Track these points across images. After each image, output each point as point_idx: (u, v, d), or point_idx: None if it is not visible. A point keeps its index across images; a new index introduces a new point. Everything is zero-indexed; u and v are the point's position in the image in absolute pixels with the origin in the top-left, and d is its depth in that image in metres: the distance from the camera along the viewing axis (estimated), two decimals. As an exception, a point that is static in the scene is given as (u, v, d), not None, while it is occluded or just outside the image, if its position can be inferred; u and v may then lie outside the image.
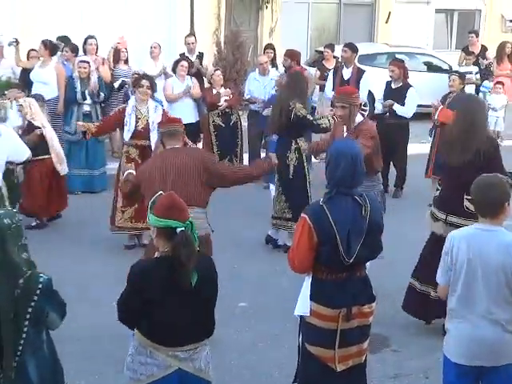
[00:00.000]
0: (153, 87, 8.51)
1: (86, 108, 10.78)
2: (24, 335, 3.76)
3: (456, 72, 11.15)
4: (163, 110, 8.66)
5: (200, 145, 11.54)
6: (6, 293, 3.69)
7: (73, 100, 10.79)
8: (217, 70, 11.75)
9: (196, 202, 5.82)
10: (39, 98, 10.07)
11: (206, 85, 12.26)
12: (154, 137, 8.14)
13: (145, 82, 8.33)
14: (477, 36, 16.41)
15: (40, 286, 3.77)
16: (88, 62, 10.94)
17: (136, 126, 8.20)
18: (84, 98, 10.74)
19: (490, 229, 4.23)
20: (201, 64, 12.83)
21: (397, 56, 13.10)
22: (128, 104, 8.41)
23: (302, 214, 4.36)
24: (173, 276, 3.82)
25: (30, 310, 3.74)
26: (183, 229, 3.85)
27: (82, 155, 10.66)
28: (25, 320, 3.74)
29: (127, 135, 8.22)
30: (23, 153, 6.65)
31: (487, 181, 4.32)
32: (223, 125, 11.14)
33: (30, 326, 3.77)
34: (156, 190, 5.55)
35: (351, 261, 4.30)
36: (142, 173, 6.14)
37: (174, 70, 11.62)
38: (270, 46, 12.93)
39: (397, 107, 10.43)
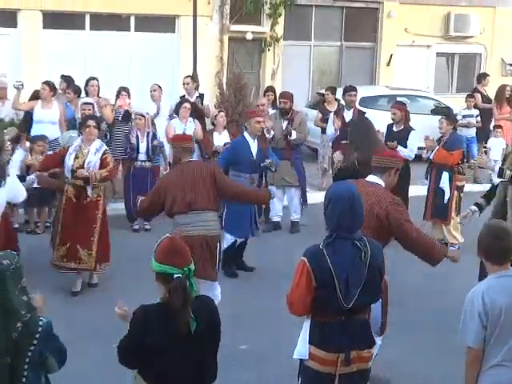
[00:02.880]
0: (99, 127, 8.56)
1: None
2: (24, 379, 3.73)
3: (445, 115, 11.11)
4: (105, 151, 8.31)
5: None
6: (2, 336, 3.66)
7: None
8: (220, 111, 11.82)
9: (211, 206, 7.20)
10: (43, 139, 10.19)
11: (209, 126, 12.32)
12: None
13: (91, 123, 8.21)
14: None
15: (40, 329, 3.76)
16: (92, 104, 10.99)
17: (72, 166, 8.10)
18: None
19: (507, 273, 4.24)
20: (201, 104, 12.90)
21: (398, 99, 13.17)
22: (72, 144, 8.38)
23: (302, 257, 4.35)
24: (170, 322, 3.80)
25: (29, 353, 3.72)
26: (180, 275, 3.83)
27: None
28: (24, 364, 3.72)
29: (68, 174, 8.17)
30: (22, 194, 6.71)
31: (497, 228, 4.31)
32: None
33: (30, 370, 3.74)
34: (177, 198, 7.06)
35: (350, 306, 4.27)
36: (161, 185, 7.37)
37: (176, 112, 11.69)
38: (270, 89, 13.06)
39: (401, 149, 10.46)
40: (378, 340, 5.83)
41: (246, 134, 9.04)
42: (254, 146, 8.93)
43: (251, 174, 8.92)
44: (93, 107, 10.93)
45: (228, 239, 8.85)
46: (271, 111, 11.80)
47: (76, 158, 8.11)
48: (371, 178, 5.92)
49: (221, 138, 11.26)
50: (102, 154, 8.20)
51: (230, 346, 6.47)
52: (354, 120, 8.74)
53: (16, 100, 11.83)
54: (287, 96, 11.25)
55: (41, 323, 3.77)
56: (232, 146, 8.93)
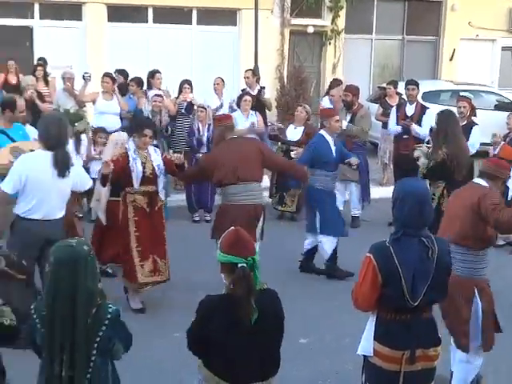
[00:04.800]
0: (156, 136, 8.19)
1: (154, 141, 10.86)
2: (92, 364, 3.80)
3: (513, 110, 10.96)
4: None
5: (265, 177, 11.61)
6: (82, 321, 3.74)
7: None
8: (299, 105, 11.62)
9: (256, 177, 7.80)
10: (104, 131, 10.36)
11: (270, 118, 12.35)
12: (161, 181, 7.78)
13: (148, 132, 7.52)
14: None
15: (109, 316, 3.82)
16: (161, 96, 11.10)
17: (144, 172, 7.45)
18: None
19: None
20: (263, 98, 12.93)
21: (461, 94, 12.98)
22: (128, 148, 7.52)
23: (368, 253, 4.34)
24: (234, 312, 3.84)
25: (98, 339, 3.79)
26: (244, 265, 3.87)
27: None
28: (93, 349, 3.79)
29: (136, 181, 7.43)
30: (87, 182, 6.80)
31: None
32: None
33: (98, 355, 3.81)
34: (226, 171, 7.55)
35: (416, 303, 4.25)
36: (212, 158, 7.93)
37: (238, 105, 11.75)
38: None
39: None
40: (477, 358, 5.73)
41: (324, 133, 8.83)
42: (332, 144, 8.79)
43: (333, 172, 8.82)
44: (162, 99, 11.02)
45: (332, 242, 8.70)
46: None
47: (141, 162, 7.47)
48: (479, 180, 5.86)
49: (296, 132, 11.10)
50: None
51: (290, 340, 6.49)
52: (440, 114, 8.51)
53: (82, 92, 12.03)
54: (350, 89, 11.20)
55: (110, 310, 3.84)
56: (314, 146, 8.71)
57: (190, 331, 4.06)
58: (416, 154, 8.79)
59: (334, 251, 8.72)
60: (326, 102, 12.67)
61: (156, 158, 7.57)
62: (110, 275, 8.22)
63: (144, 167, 7.40)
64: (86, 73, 12.15)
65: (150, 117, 10.76)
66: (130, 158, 7.38)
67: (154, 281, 7.54)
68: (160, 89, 12.23)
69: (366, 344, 4.42)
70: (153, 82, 12.22)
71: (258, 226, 7.86)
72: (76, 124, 10.40)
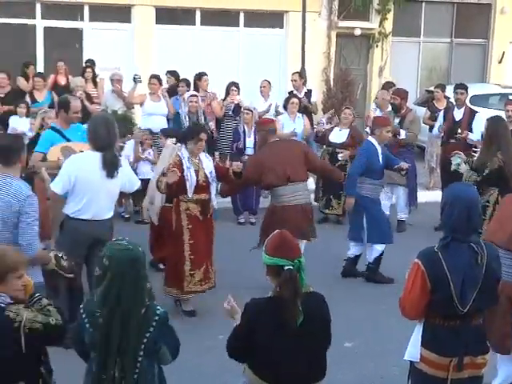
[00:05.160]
0: (208, 140, 8.14)
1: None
2: (138, 365, 3.82)
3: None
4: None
5: (310, 180, 11.60)
6: (134, 321, 3.78)
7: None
8: (347, 108, 11.50)
9: (301, 177, 8.04)
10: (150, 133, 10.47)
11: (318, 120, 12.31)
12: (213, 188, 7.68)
13: (203, 136, 7.45)
14: None
15: (156, 317, 3.85)
16: (196, 96, 11.11)
17: (198, 180, 7.36)
18: None
19: None
20: (309, 101, 12.91)
21: (510, 97, 12.78)
22: (182, 156, 7.39)
23: (416, 259, 4.30)
24: (281, 315, 3.84)
25: (145, 340, 3.81)
26: (290, 267, 3.87)
27: None
28: (140, 350, 3.81)
29: (190, 190, 7.33)
30: (136, 183, 6.85)
31: None
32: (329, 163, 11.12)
33: (145, 357, 3.84)
34: (275, 174, 7.79)
35: (465, 310, 4.20)
36: (258, 163, 8.08)
37: (285, 108, 11.75)
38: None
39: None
40: None
41: (373, 141, 8.68)
42: (380, 152, 8.67)
43: (380, 180, 8.73)
44: (198, 99, 11.04)
45: (377, 250, 8.64)
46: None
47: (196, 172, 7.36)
48: None
49: (341, 135, 11.03)
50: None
51: (335, 343, 6.46)
52: (490, 120, 8.36)
53: (132, 93, 12.15)
54: (399, 92, 11.13)
55: (158, 312, 3.86)
56: (366, 155, 8.58)
57: (234, 334, 4.06)
58: (454, 161, 8.76)
59: (380, 256, 8.67)
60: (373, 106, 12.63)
61: (208, 164, 7.50)
62: (162, 270, 8.30)
63: (197, 175, 7.32)
64: (136, 75, 12.27)
65: (187, 118, 10.81)
66: (184, 167, 7.28)
67: (202, 290, 7.49)
68: (207, 91, 12.30)
69: (413, 349, 4.38)
70: (200, 84, 12.30)
71: (309, 223, 8.12)
72: (132, 135, 10.57)
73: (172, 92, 12.14)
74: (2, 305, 3.86)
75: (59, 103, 7.85)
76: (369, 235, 8.53)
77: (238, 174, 7.72)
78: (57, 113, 7.87)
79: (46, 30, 16.25)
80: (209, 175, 7.42)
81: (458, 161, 8.65)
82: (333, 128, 11.17)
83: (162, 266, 8.49)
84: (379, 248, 8.63)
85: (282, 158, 7.93)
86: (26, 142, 8.06)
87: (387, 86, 13.05)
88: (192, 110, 10.91)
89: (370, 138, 8.82)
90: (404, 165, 8.83)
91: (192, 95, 11.18)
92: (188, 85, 12.25)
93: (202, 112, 11.15)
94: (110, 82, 12.58)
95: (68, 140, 7.33)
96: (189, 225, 7.34)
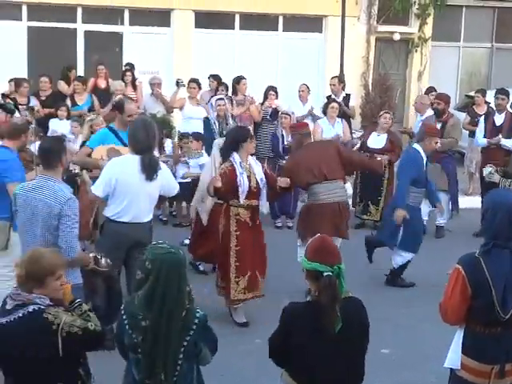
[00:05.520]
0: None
1: None
2: (178, 368, 3.83)
3: None
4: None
5: (348, 185, 11.57)
6: (176, 324, 3.80)
7: (211, 139, 10.76)
8: (386, 112, 11.35)
9: (337, 176, 8.02)
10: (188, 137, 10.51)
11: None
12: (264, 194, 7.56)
13: (253, 139, 7.50)
14: None
15: (196, 320, 3.86)
16: (223, 100, 11.14)
17: (250, 186, 7.29)
18: (221, 137, 10.81)
19: None
20: (347, 106, 12.87)
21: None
22: (234, 161, 7.29)
23: (456, 265, 4.26)
24: (318, 320, 3.82)
25: (185, 343, 3.82)
26: (330, 273, 3.85)
27: None
28: (180, 353, 3.82)
29: (242, 196, 7.27)
30: (175, 187, 6.88)
31: None
32: (369, 169, 11.08)
33: (184, 359, 3.85)
34: (311, 171, 7.78)
35: (507, 317, 4.15)
36: (295, 163, 8.07)
37: (324, 112, 11.72)
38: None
39: None
40: None
41: (419, 149, 8.51)
42: (425, 161, 8.53)
43: (423, 188, 8.63)
44: (225, 103, 11.05)
45: (404, 256, 8.60)
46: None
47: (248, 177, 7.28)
48: None
49: (379, 140, 10.94)
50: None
51: (372, 350, 6.42)
52: None
53: (174, 97, 12.21)
54: (442, 97, 11.03)
55: (198, 315, 3.88)
56: (413, 165, 8.42)
57: (272, 338, 4.07)
58: (486, 171, 8.66)
59: (406, 264, 8.64)
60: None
61: (258, 170, 7.43)
62: (202, 272, 8.39)
63: (249, 181, 7.26)
64: (179, 79, 12.35)
65: (216, 123, 10.80)
66: (237, 172, 7.21)
67: (247, 298, 7.39)
68: (245, 95, 12.33)
69: (454, 357, 4.34)
70: (238, 88, 12.33)
71: (346, 221, 8.18)
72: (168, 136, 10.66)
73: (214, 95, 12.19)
74: (42, 307, 3.88)
75: (115, 104, 7.97)
76: (402, 242, 8.46)
77: (285, 189, 7.77)
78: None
79: (87, 33, 16.43)
80: (259, 181, 7.35)
81: (489, 170, 8.60)
82: (370, 133, 11.10)
83: (201, 268, 8.53)
84: (408, 255, 8.58)
85: (318, 157, 8.02)
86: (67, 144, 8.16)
87: (428, 90, 12.98)
88: (220, 113, 10.85)
89: (416, 146, 8.61)
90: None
91: (219, 99, 11.06)
92: (227, 88, 12.28)
93: (230, 115, 11.13)
94: (150, 86, 12.68)
95: (123, 142, 7.33)
96: (237, 231, 7.28)
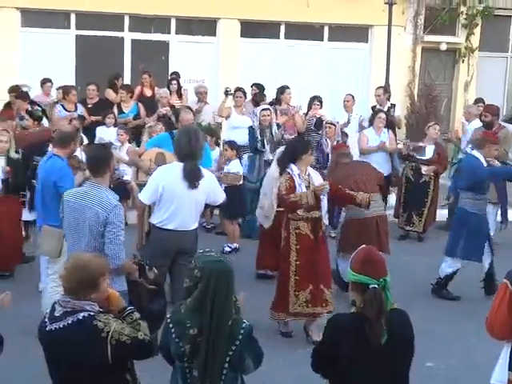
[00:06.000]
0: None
1: (269, 156, 10.77)
2: (223, 377, 3.85)
3: None
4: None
5: (392, 196, 11.50)
6: (223, 334, 3.82)
7: (254, 148, 10.91)
8: (436, 124, 11.34)
9: (376, 190, 8.16)
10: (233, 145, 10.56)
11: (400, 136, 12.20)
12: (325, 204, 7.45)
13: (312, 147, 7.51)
14: None
15: (242, 331, 3.87)
16: (269, 110, 11.13)
17: None
18: (263, 146, 10.84)
19: None
20: (393, 116, 12.78)
21: None
22: (292, 173, 7.15)
23: (504, 279, 4.20)
24: (363, 332, 3.80)
25: (230, 353, 3.84)
26: (375, 286, 3.82)
27: None
28: (225, 363, 3.84)
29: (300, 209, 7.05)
30: (221, 196, 6.90)
31: None
32: (413, 179, 11.00)
33: (229, 369, 3.86)
34: (349, 185, 7.73)
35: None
36: (338, 177, 8.10)
37: (371, 122, 11.66)
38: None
39: None
40: None
41: (479, 156, 8.40)
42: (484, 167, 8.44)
43: (485, 195, 8.54)
44: (271, 113, 11.05)
45: (452, 266, 8.54)
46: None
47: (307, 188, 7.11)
48: None
49: (426, 151, 10.89)
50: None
51: (416, 363, 6.34)
52: None
53: (222, 106, 12.27)
54: (490, 109, 10.95)
55: (243, 325, 3.89)
56: (477, 168, 8.32)
57: (316, 349, 4.05)
58: None
59: (453, 274, 8.55)
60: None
61: (318, 179, 7.28)
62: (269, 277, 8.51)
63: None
64: (227, 88, 12.40)
65: (260, 132, 10.80)
66: (296, 184, 7.05)
67: (311, 312, 7.16)
68: (289, 104, 12.32)
69: (501, 373, 4.28)
70: (282, 98, 12.33)
71: (387, 236, 8.23)
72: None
73: (256, 105, 12.21)
74: (92, 313, 3.88)
75: (175, 112, 8.08)
76: (464, 251, 8.35)
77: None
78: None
79: (134, 42, 16.59)
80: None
81: None
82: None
83: (269, 272, 8.64)
84: (456, 265, 8.49)
85: (355, 173, 8.20)
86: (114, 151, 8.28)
87: (476, 102, 12.89)
88: (264, 123, 10.85)
89: (475, 153, 8.51)
90: None
91: (264, 109, 11.05)
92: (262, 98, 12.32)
93: (275, 125, 11.12)
94: (195, 94, 12.75)
95: None
96: (297, 245, 7.09)
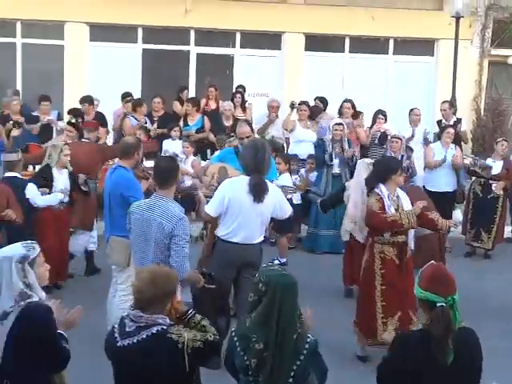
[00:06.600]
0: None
1: (336, 170, 10.83)
2: (287, 391, 3.85)
3: None
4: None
5: (457, 212, 11.32)
6: (288, 348, 3.81)
7: (322, 161, 10.88)
8: (504, 140, 11.18)
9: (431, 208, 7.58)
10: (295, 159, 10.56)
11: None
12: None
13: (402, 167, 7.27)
14: None
15: (307, 346, 3.86)
16: (342, 124, 11.11)
17: None
18: (331, 160, 10.80)
19: None
20: (459, 130, 12.59)
21: None
22: (382, 194, 6.87)
23: None
24: (430, 350, 3.75)
25: (295, 367, 3.83)
26: (443, 304, 3.77)
27: (329, 216, 10.34)
28: (289, 377, 3.83)
29: (387, 232, 6.80)
30: (287, 210, 6.87)
31: None
32: (481, 195, 10.83)
33: (294, 383, 3.84)
34: None
35: None
36: None
37: (439, 137, 11.51)
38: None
39: None
40: None
41: None
42: None
43: None
44: (343, 127, 11.02)
45: None
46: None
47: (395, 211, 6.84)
48: None
49: (495, 166, 10.78)
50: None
51: (482, 382, 6.24)
52: None
53: (287, 120, 12.32)
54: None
55: (308, 340, 3.88)
56: None
57: (382, 366, 4.01)
58: None
59: None
60: None
61: (407, 203, 7.00)
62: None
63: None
64: (293, 101, 12.46)
65: (331, 145, 10.75)
66: (386, 205, 6.80)
67: None
68: (353, 117, 12.27)
69: None
70: (343, 111, 12.29)
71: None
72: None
73: (311, 118, 12.23)
74: (164, 327, 3.89)
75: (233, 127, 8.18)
76: None
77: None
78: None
79: (199, 56, 16.76)
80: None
81: None
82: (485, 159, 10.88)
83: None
84: None
85: (420, 197, 7.81)
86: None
87: None
88: (336, 137, 10.83)
89: None
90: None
91: (337, 123, 11.05)
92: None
93: (346, 140, 11.08)
94: (267, 108, 12.82)
95: None
96: (382, 269, 6.81)
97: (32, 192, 8.37)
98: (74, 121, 10.84)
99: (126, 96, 13.43)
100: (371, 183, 7.02)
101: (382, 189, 6.85)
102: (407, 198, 7.06)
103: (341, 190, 8.99)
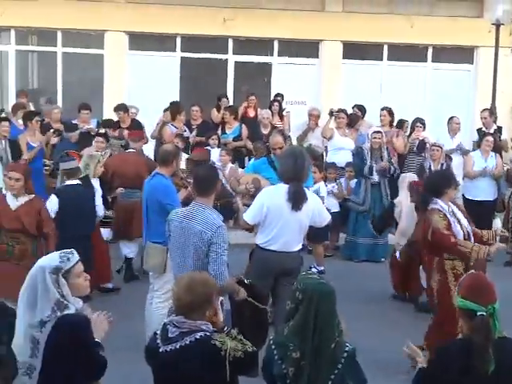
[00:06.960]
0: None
1: (375, 178, 10.82)
2: (324, 401, 3.83)
3: None
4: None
5: (497, 221, 11.20)
6: (325, 356, 3.81)
7: (360, 169, 10.89)
8: None
9: None
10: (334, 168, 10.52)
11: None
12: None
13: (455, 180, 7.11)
14: None
15: (345, 354, 3.85)
16: (381, 132, 11.06)
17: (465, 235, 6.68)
18: (371, 173, 10.77)
19: None
20: (499, 139, 12.48)
21: None
22: (444, 209, 6.68)
23: None
24: (471, 359, 3.71)
25: (332, 376, 3.82)
26: (483, 313, 3.74)
27: (368, 225, 10.49)
28: (327, 385, 3.82)
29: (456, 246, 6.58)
30: (326, 217, 6.85)
31: None
32: (521, 203, 10.72)
33: (332, 391, 3.84)
34: None
35: None
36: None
37: (478, 145, 11.41)
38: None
39: None
40: None
41: None
42: None
43: None
44: (382, 136, 10.97)
45: None
46: None
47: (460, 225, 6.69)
48: None
49: None
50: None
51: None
52: None
53: (326, 127, 12.31)
54: None
55: (346, 348, 3.87)
56: None
57: (423, 372, 3.97)
58: None
59: None
60: None
61: (462, 216, 6.82)
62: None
63: (461, 228, 6.69)
64: (332, 109, 12.46)
65: (370, 154, 10.71)
66: (451, 221, 6.63)
67: None
68: (390, 127, 12.22)
69: None
70: (380, 120, 12.24)
71: None
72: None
73: (349, 126, 12.22)
74: (208, 333, 3.91)
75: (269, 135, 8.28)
76: None
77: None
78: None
79: (237, 64, 16.82)
80: (467, 227, 6.76)
81: None
82: None
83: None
84: None
85: None
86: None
87: None
88: (374, 146, 10.81)
89: None
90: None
91: (376, 131, 11.06)
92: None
93: (385, 148, 11.03)
94: (307, 116, 12.82)
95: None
96: (454, 282, 6.45)
97: (52, 204, 8.26)
98: (103, 131, 10.96)
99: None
100: (426, 198, 6.85)
101: (442, 204, 6.66)
102: (460, 212, 6.86)
103: (390, 208, 9.00)
